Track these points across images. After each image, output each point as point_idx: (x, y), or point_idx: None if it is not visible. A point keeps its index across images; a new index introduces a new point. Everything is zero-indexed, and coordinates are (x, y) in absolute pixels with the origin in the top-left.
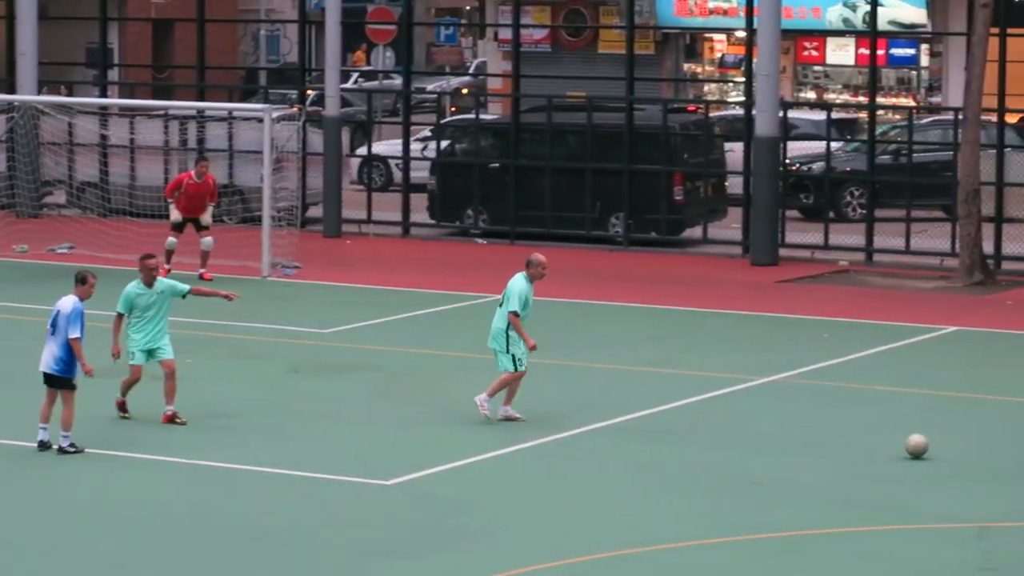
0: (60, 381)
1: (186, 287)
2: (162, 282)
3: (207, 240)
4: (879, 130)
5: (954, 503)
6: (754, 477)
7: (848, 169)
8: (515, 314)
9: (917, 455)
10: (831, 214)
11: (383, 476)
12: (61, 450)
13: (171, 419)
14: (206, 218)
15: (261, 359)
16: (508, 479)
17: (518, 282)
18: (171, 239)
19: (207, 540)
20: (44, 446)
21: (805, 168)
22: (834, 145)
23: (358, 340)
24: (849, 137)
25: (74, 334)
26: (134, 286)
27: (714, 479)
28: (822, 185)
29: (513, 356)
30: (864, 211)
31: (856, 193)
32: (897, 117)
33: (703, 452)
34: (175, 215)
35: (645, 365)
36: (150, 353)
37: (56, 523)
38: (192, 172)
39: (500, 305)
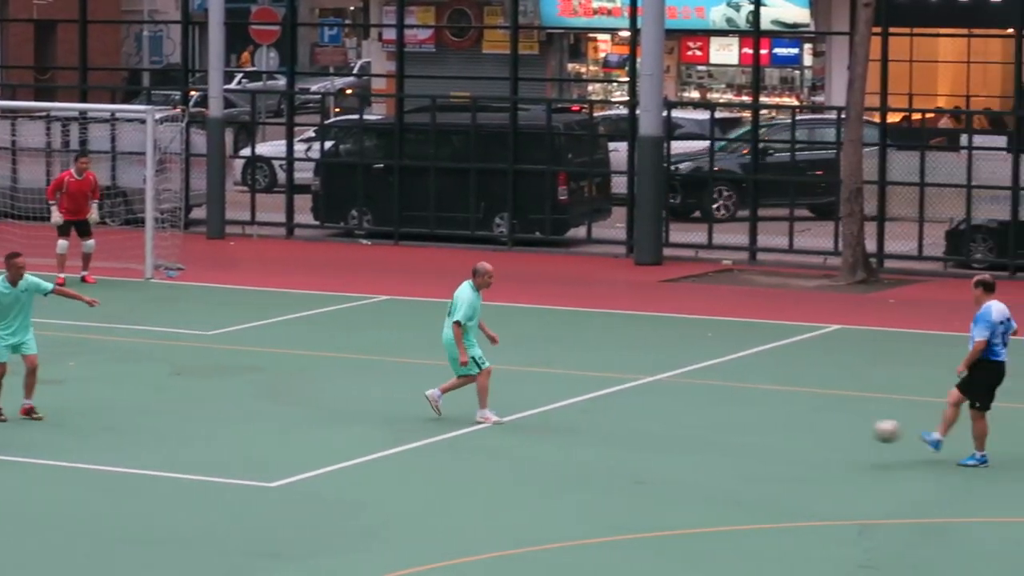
0: None
1: (49, 285)
2: (27, 280)
3: (89, 243)
4: (742, 131)
5: (837, 502)
6: (638, 476)
7: (717, 168)
8: (458, 324)
9: (887, 440)
10: (697, 213)
11: (267, 478)
12: None
13: (28, 413)
14: (93, 216)
15: (144, 361)
16: (394, 480)
17: (464, 291)
18: (62, 242)
19: (86, 544)
20: None
21: (672, 168)
22: (703, 144)
23: (242, 342)
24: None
25: None
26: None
27: (599, 478)
28: (688, 185)
29: (473, 358)
30: (728, 212)
31: (724, 193)
32: (781, 116)
33: (588, 451)
34: (56, 217)
35: (530, 365)
36: (14, 348)
37: None
38: (72, 170)
39: (449, 314)
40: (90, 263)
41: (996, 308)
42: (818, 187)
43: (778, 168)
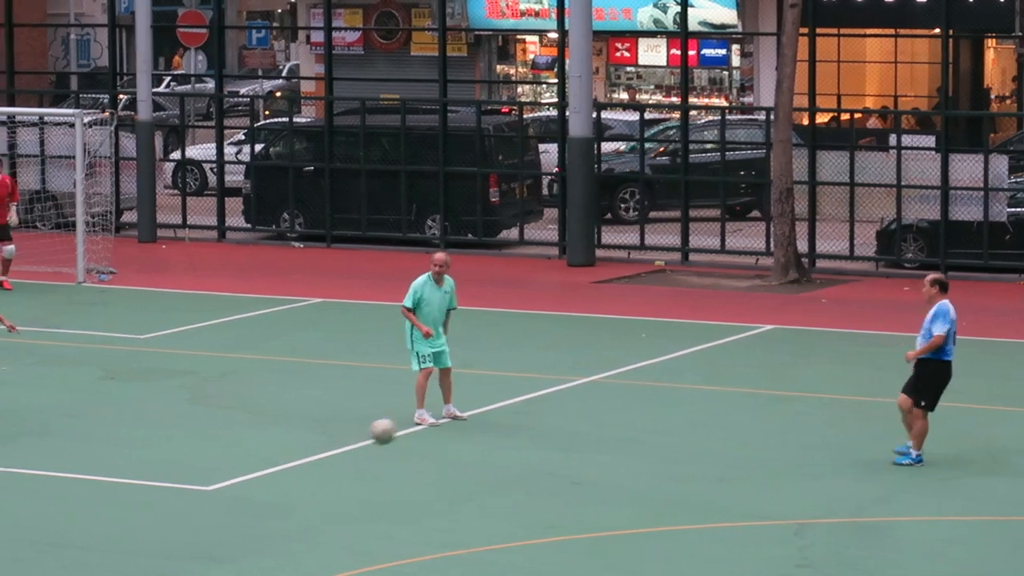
0: None
1: None
2: None
3: (9, 248)
4: (654, 130)
5: (770, 501)
6: (573, 477)
7: (628, 170)
8: (406, 308)
9: (382, 440)
10: (608, 215)
11: (198, 481)
12: None
13: None
14: (12, 219)
15: (75, 365)
16: (326, 482)
17: (417, 279)
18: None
19: (9, 547)
20: None
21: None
22: (613, 146)
23: (174, 345)
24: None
25: None
26: None
27: (532, 479)
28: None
29: (417, 353)
30: (637, 212)
31: (634, 194)
32: (709, 116)
33: (521, 452)
34: None
35: (461, 366)
36: None
37: None
38: None
39: None
40: (9, 268)
41: (951, 308)
42: (738, 188)
43: (696, 169)
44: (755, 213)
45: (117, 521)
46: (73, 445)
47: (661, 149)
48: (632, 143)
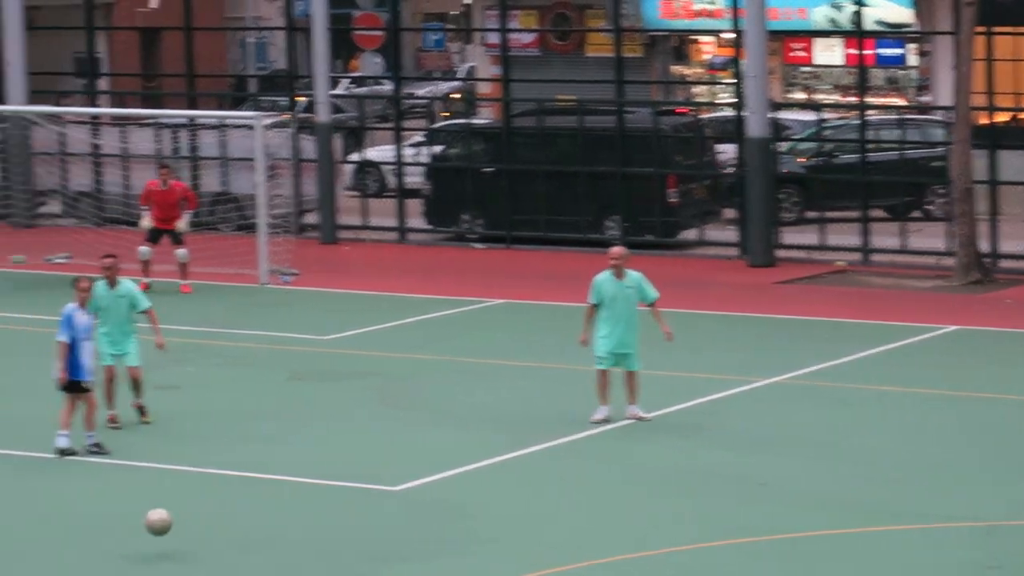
0: (71, 385)
1: (147, 304)
2: (125, 286)
3: (181, 252)
4: (807, 132)
5: (959, 503)
6: (758, 478)
7: (786, 171)
8: (591, 306)
9: (158, 532)
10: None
11: (387, 482)
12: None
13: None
14: (181, 225)
15: (260, 367)
16: (510, 483)
17: (597, 275)
18: (143, 248)
19: (208, 547)
20: (65, 452)
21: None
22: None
23: (357, 346)
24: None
25: (58, 337)
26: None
27: (717, 481)
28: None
29: (596, 354)
30: (793, 214)
31: (791, 195)
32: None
33: (706, 453)
34: (145, 221)
35: (648, 368)
36: (116, 358)
37: (67, 530)
38: (158, 180)
39: None
40: (187, 272)
41: None
42: (891, 188)
43: (846, 169)
44: (917, 213)
45: (306, 521)
46: (261, 446)
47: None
48: (793, 142)
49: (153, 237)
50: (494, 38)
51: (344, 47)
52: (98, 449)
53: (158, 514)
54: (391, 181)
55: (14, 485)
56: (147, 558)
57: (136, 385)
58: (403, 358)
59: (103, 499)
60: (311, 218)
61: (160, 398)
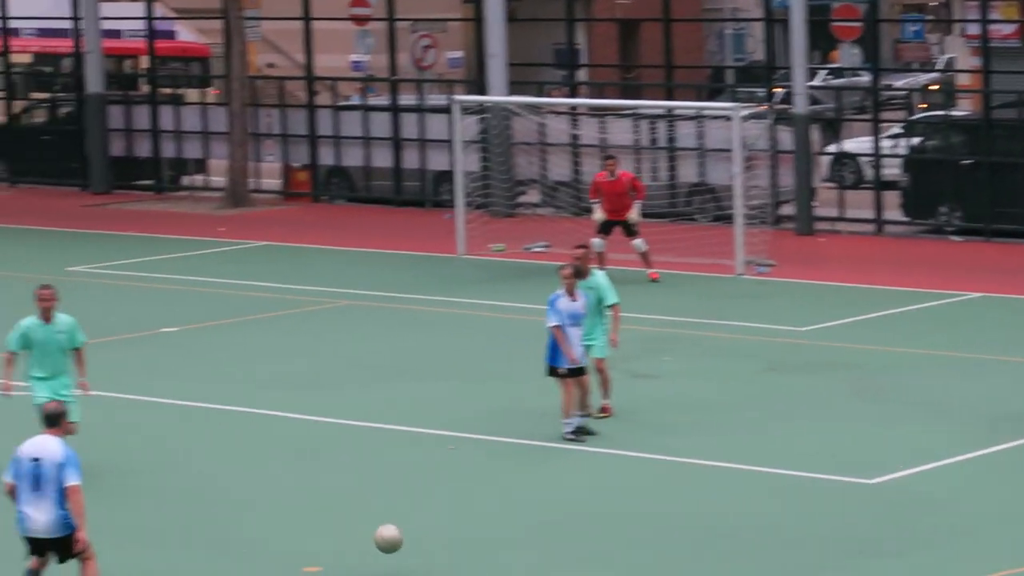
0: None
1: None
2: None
3: (637, 243)
4: None
5: None
6: None
7: None
8: None
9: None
10: None
11: (860, 474)
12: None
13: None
14: (632, 216)
15: (737, 357)
16: (989, 478)
17: None
18: (596, 240)
19: (681, 535)
20: (581, 431)
21: None
22: None
23: (834, 338)
24: None
25: (550, 323)
26: None
27: None
28: None
29: None
30: None
31: None
32: None
33: None
34: (598, 214)
35: None
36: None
37: (537, 522)
38: (605, 172)
39: None
40: (650, 260)
41: None
42: None
43: None
44: None
45: (779, 512)
46: (738, 436)
47: None
48: None
49: (604, 229)
50: (974, 29)
51: (822, 38)
52: (572, 437)
53: (389, 530)
54: (868, 173)
55: (498, 475)
56: (613, 546)
57: (602, 379)
58: (880, 350)
59: (572, 488)
60: (787, 209)
61: (638, 387)
